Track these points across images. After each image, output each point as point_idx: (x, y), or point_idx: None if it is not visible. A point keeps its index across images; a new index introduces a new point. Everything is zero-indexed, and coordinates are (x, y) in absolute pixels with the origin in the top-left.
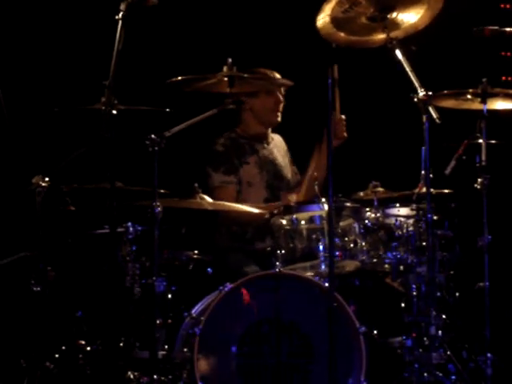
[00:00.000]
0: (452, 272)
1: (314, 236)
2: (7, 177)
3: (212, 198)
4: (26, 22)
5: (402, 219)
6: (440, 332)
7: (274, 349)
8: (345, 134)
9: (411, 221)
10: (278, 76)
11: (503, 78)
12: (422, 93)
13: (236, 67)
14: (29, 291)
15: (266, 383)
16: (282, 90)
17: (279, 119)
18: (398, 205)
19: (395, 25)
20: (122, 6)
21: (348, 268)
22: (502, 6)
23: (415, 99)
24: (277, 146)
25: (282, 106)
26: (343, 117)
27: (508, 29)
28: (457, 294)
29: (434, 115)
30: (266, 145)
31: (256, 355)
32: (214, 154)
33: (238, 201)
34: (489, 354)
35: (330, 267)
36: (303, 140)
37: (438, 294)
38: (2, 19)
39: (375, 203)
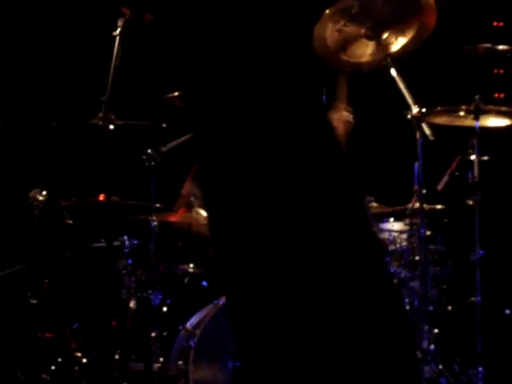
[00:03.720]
0: (444, 286)
1: None
2: (5, 190)
3: None
4: (25, 37)
5: (396, 234)
6: (432, 346)
7: None
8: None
9: (404, 236)
10: None
11: (495, 95)
12: (415, 110)
13: None
14: (26, 303)
15: None
16: None
17: None
18: (391, 220)
19: (389, 43)
20: (119, 23)
21: None
22: (495, 23)
23: (409, 116)
24: None
25: None
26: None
27: (501, 46)
28: (449, 308)
29: (427, 132)
30: None
31: None
32: None
33: None
34: (480, 368)
35: None
36: None
37: (431, 308)
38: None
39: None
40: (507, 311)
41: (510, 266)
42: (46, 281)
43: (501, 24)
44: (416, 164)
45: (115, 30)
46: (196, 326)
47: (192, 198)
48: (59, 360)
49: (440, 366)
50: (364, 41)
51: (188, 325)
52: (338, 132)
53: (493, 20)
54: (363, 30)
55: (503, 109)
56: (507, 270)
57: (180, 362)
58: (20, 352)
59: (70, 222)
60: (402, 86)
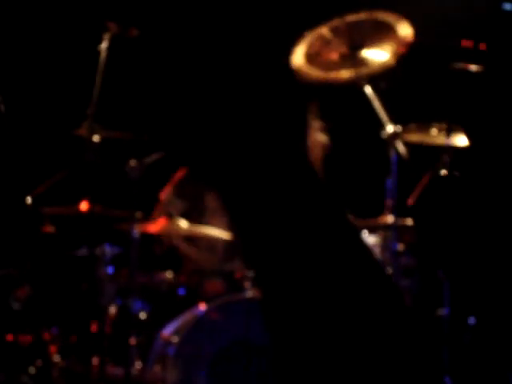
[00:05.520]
0: (413, 299)
1: None
2: None
3: None
4: (13, 49)
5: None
6: None
7: (245, 372)
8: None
9: (377, 249)
10: None
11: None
12: (390, 128)
13: None
14: (7, 308)
15: None
16: None
17: None
18: (365, 233)
19: (365, 62)
20: (105, 37)
21: None
22: (464, 43)
23: (383, 134)
24: None
25: None
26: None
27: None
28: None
29: (401, 150)
30: None
31: (227, 378)
32: None
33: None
34: (446, 378)
35: None
36: None
37: None
38: None
39: None
40: (471, 321)
41: (475, 277)
42: (27, 286)
43: (470, 44)
44: (389, 180)
45: (100, 43)
46: (173, 333)
47: (171, 208)
48: (38, 363)
49: None
50: (340, 60)
51: (165, 332)
52: (314, 156)
53: (462, 39)
54: (340, 51)
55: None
56: (472, 281)
57: (157, 369)
58: (0, 354)
59: (53, 229)
60: (376, 104)
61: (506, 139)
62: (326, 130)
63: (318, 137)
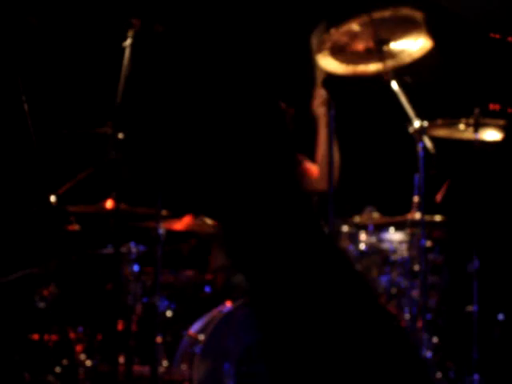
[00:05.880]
0: (442, 296)
1: None
2: (17, 194)
3: None
4: (37, 47)
5: (396, 244)
6: (430, 354)
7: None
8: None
9: (405, 246)
10: None
11: (490, 106)
12: (417, 123)
13: None
14: (33, 307)
15: None
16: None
17: None
18: (392, 230)
19: (391, 56)
20: (130, 33)
21: None
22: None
23: (410, 129)
24: None
25: None
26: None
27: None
28: (447, 317)
29: (428, 145)
30: None
31: (253, 376)
32: None
33: None
34: (476, 375)
35: None
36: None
37: (429, 316)
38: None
39: (370, 228)
40: (500, 316)
41: (504, 274)
42: (52, 285)
43: (497, 36)
44: (417, 176)
45: (125, 40)
46: (200, 332)
47: None
48: (64, 362)
49: (437, 374)
50: (367, 54)
51: (192, 330)
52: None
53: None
54: (366, 45)
55: (501, 122)
56: (501, 278)
57: (184, 367)
58: (26, 354)
59: (78, 227)
60: (403, 99)
61: None
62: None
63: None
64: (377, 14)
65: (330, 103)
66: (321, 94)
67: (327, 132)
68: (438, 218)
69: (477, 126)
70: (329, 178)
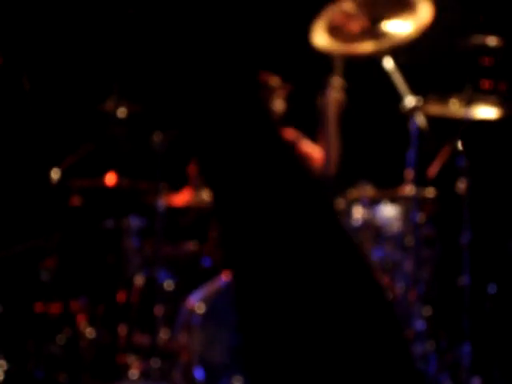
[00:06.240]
0: (435, 268)
1: None
2: (19, 169)
3: None
4: (41, 25)
5: (389, 218)
6: (423, 325)
7: None
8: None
9: (398, 220)
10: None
11: (483, 84)
12: (409, 100)
13: None
14: (36, 279)
15: None
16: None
17: None
18: (385, 204)
19: (386, 35)
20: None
21: None
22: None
23: (403, 106)
24: None
25: None
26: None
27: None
28: (439, 289)
29: (421, 122)
30: None
31: None
32: None
33: None
34: (467, 345)
35: None
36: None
37: (422, 288)
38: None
39: (364, 202)
40: (491, 288)
41: (496, 247)
42: (56, 257)
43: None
44: (409, 151)
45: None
46: (198, 303)
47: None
48: (66, 332)
49: (430, 344)
50: (362, 33)
51: (190, 301)
52: (330, 112)
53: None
54: (361, 24)
55: (492, 98)
56: (493, 251)
57: (183, 337)
58: (29, 325)
59: (80, 201)
60: (396, 76)
61: None
62: (345, 88)
63: (335, 95)
64: None
65: (343, 103)
66: (337, 82)
67: (335, 130)
68: (430, 192)
69: (468, 102)
70: (328, 179)
